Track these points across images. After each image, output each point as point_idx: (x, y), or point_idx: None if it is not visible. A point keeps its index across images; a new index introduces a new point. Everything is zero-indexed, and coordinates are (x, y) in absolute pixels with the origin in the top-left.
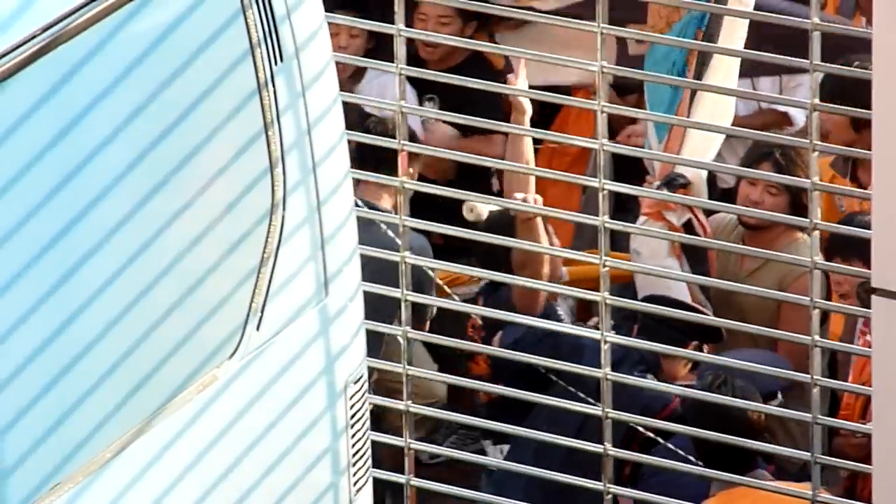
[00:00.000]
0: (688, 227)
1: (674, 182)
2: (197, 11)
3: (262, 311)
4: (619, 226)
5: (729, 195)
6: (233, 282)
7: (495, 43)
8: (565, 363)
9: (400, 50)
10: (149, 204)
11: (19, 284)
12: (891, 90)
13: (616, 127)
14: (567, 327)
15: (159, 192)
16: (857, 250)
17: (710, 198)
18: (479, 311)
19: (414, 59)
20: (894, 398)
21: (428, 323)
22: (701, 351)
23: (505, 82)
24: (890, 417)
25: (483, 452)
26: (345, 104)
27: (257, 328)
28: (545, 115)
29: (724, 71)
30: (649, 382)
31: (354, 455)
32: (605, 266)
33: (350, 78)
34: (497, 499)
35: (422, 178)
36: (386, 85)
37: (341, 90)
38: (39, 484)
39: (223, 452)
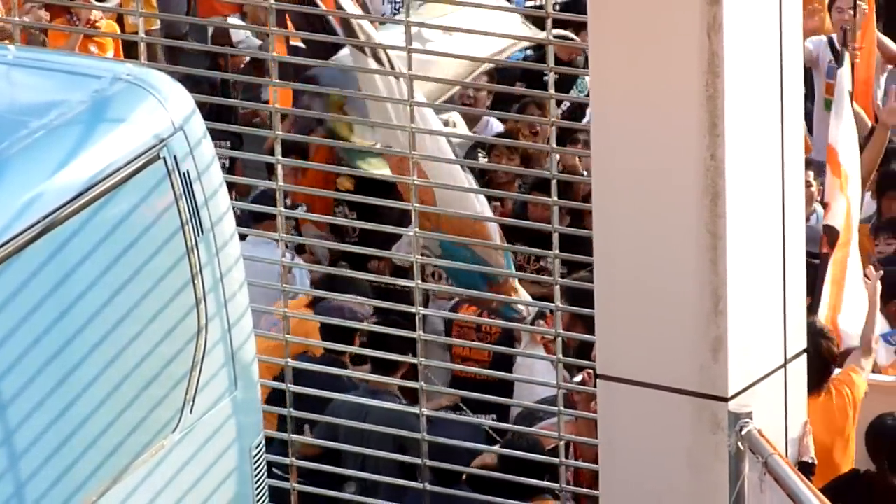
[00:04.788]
0: None
1: None
2: (147, 201)
3: (194, 401)
4: None
5: None
6: (174, 381)
7: None
8: None
9: None
10: (121, 329)
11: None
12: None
13: None
14: None
15: (128, 321)
16: None
17: None
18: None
19: None
20: (617, 466)
21: None
22: None
23: None
24: (614, 484)
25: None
26: None
27: (191, 412)
28: None
29: None
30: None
31: (257, 489)
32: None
33: None
34: None
35: None
36: None
37: None
38: None
39: (173, 492)
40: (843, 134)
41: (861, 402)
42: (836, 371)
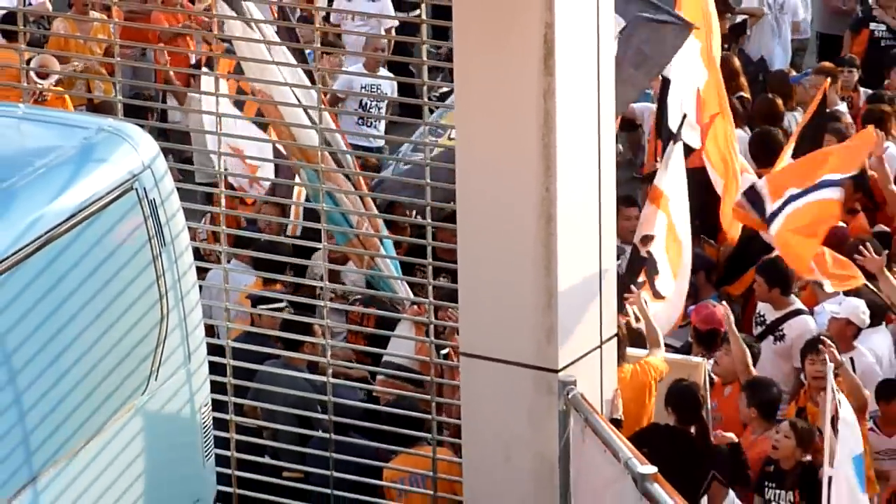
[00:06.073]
0: None
1: None
2: (123, 221)
3: (158, 370)
4: None
5: None
6: (143, 356)
7: None
8: None
9: None
10: (104, 317)
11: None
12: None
13: None
14: None
15: (109, 311)
16: None
17: None
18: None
19: None
20: (475, 421)
21: None
22: None
23: None
24: (472, 434)
25: None
26: None
27: (156, 379)
28: None
29: None
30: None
31: (204, 437)
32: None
33: None
34: None
35: None
36: None
37: None
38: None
39: (141, 440)
40: (669, 179)
41: (663, 376)
42: (631, 350)
